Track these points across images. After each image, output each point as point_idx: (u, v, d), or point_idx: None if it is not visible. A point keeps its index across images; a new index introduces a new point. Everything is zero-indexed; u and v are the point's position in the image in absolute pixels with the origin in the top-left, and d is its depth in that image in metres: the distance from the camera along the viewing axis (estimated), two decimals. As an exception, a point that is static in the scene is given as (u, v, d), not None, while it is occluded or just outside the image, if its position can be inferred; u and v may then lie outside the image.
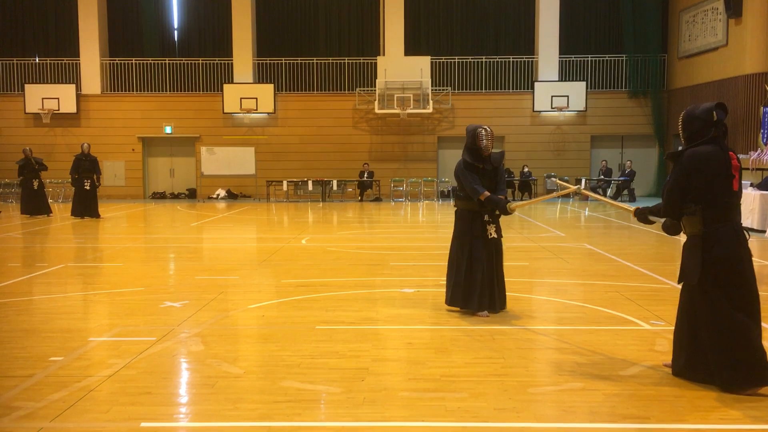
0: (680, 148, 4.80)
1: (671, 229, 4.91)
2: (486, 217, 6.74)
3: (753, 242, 12.75)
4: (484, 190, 6.58)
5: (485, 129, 6.66)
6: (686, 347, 4.75)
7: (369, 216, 19.24)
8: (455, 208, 7.02)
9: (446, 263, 7.08)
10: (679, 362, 4.83)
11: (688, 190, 4.60)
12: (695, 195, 4.59)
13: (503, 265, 6.99)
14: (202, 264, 10.85)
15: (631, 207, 5.36)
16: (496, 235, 6.80)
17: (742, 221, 4.71)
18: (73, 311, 7.20)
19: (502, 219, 7.07)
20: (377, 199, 25.00)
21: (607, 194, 24.35)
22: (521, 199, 24.68)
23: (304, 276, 9.16)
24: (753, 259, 4.74)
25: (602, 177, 24.79)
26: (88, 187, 17.56)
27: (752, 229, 14.21)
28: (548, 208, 21.39)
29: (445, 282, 7.13)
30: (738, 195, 4.65)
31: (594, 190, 24.90)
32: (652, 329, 6.29)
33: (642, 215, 5.20)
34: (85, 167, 17.71)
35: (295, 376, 4.96)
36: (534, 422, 4.14)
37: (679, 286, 4.92)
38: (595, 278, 8.86)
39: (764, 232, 14.00)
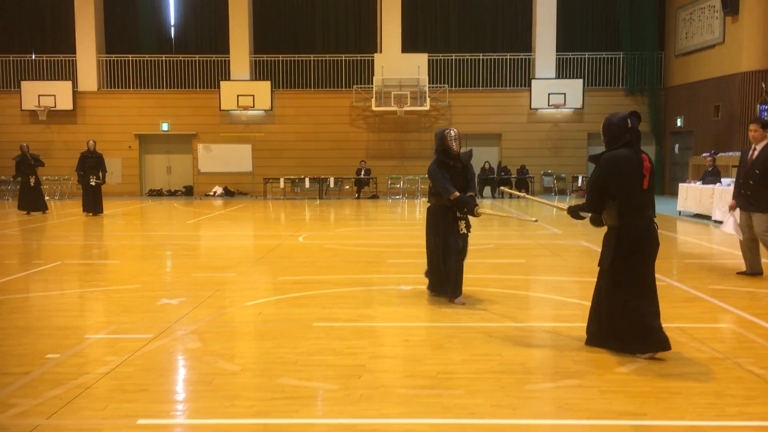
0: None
1: (595, 222, 5.51)
2: (457, 214, 7.15)
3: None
4: (454, 190, 6.99)
5: (452, 130, 7.18)
6: (596, 321, 5.50)
7: (366, 213, 19.24)
8: (428, 204, 7.45)
9: None
10: (592, 333, 5.55)
11: (606, 188, 5.23)
12: (612, 192, 5.21)
13: (465, 259, 7.39)
14: (198, 261, 10.85)
15: (564, 205, 5.89)
16: (465, 231, 7.23)
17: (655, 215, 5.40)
18: (69, 308, 7.20)
19: (497, 219, 7.16)
20: (374, 197, 25.00)
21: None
22: (518, 198, 24.79)
23: (301, 273, 9.15)
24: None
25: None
26: (93, 184, 17.65)
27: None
28: (545, 206, 21.37)
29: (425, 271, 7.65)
30: (649, 192, 5.30)
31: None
32: (649, 326, 6.29)
33: (574, 212, 5.70)
34: (91, 164, 17.80)
35: (291, 373, 4.96)
36: (531, 419, 4.14)
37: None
38: (592, 275, 8.78)
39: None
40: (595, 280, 5.73)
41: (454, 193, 6.97)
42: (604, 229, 5.51)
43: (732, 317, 6.63)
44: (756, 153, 8.42)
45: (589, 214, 5.50)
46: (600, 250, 5.55)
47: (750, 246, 8.72)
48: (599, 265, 5.52)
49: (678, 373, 4.91)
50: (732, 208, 8.79)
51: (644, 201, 5.26)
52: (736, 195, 8.74)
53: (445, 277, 7.18)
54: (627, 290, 5.23)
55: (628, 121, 5.26)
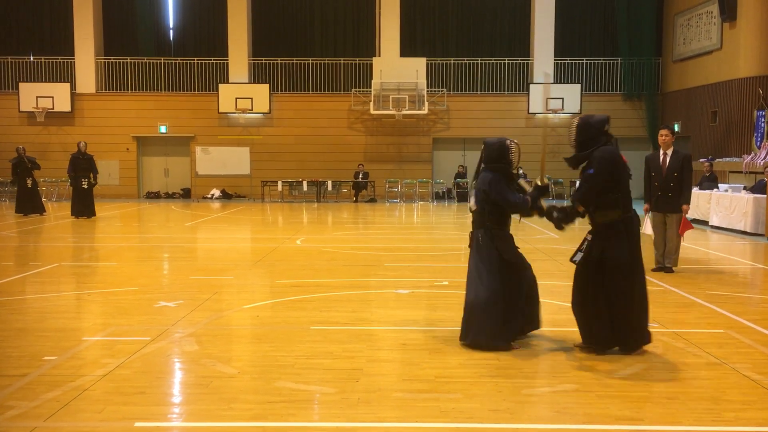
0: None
1: (567, 220, 5.57)
2: None
3: (747, 246, 12.82)
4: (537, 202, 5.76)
5: (512, 140, 5.89)
6: (601, 320, 5.38)
7: (364, 217, 19.24)
8: (482, 229, 5.99)
9: (440, 264, 7.09)
10: (597, 337, 5.45)
11: (604, 183, 5.34)
12: (613, 186, 5.35)
13: None
14: (196, 264, 10.84)
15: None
16: None
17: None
18: (66, 310, 7.19)
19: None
20: (372, 200, 25.00)
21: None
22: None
23: (298, 276, 9.15)
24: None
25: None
26: (85, 186, 17.50)
27: (745, 233, 14.24)
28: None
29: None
30: None
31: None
32: (646, 331, 6.29)
33: (559, 221, 5.66)
34: (82, 166, 17.62)
35: (289, 376, 4.96)
36: (528, 423, 4.15)
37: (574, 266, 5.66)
38: (589, 280, 8.86)
39: (757, 235, 13.99)
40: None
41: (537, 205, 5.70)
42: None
43: (729, 322, 6.64)
44: (668, 157, 9.16)
45: (576, 219, 5.59)
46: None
47: (659, 244, 9.39)
48: (608, 262, 5.29)
49: (675, 378, 4.92)
50: (647, 211, 9.47)
51: (630, 197, 5.53)
52: (653, 197, 9.33)
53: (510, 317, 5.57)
54: (642, 280, 5.39)
55: (606, 125, 5.50)
